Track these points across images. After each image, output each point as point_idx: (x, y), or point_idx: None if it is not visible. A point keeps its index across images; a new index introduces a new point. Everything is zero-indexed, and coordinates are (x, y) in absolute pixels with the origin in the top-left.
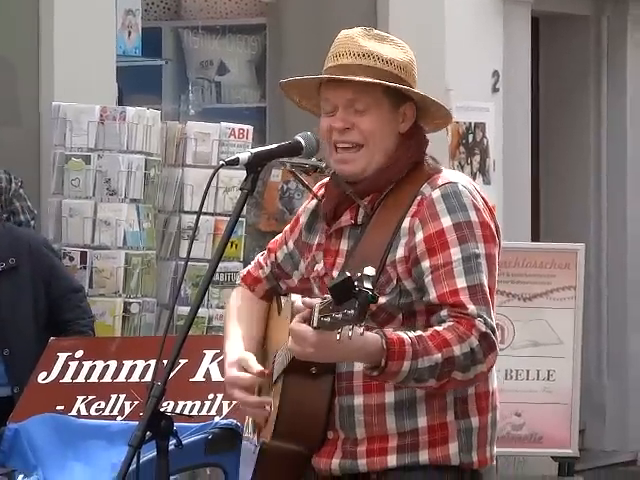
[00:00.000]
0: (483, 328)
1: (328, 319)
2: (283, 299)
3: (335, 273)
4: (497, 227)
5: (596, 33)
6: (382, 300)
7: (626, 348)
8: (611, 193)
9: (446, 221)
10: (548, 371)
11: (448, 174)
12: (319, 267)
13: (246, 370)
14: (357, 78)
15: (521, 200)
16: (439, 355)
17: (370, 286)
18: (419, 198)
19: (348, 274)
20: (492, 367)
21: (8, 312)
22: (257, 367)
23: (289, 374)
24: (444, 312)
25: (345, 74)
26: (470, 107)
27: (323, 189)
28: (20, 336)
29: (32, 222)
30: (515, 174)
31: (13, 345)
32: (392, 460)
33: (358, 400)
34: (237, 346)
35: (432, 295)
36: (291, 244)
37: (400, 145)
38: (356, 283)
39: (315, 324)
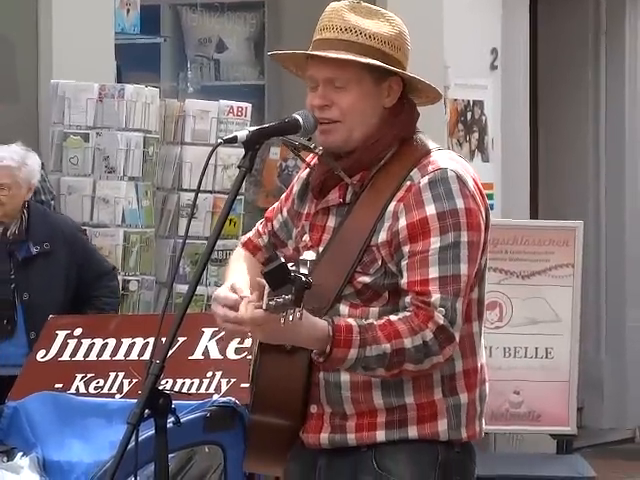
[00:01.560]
0: (441, 321)
1: (273, 302)
2: None
3: (321, 249)
4: (487, 211)
5: (594, 10)
6: (367, 279)
7: (624, 325)
8: (610, 170)
9: (430, 209)
10: (546, 349)
11: (438, 157)
12: (306, 237)
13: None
14: (332, 55)
15: (520, 178)
16: (387, 345)
17: (306, 271)
18: (408, 184)
19: (282, 260)
20: (449, 358)
21: (39, 296)
22: (246, 293)
23: (265, 350)
24: (407, 299)
25: (327, 49)
26: (468, 85)
27: (316, 159)
28: None
29: (52, 202)
30: (514, 152)
31: (40, 328)
32: (381, 435)
33: (345, 377)
34: (239, 276)
35: (404, 280)
36: (285, 212)
37: (386, 120)
38: (292, 268)
39: (264, 306)
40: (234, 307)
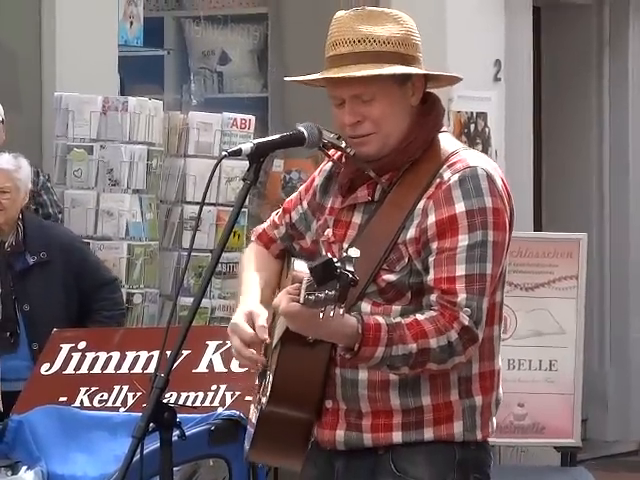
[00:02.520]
0: (466, 322)
1: (312, 297)
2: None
3: (345, 245)
4: (512, 211)
5: (598, 22)
6: (392, 278)
7: (628, 338)
8: (613, 182)
9: (460, 207)
10: (550, 361)
11: (467, 155)
12: (329, 232)
13: (253, 325)
14: (356, 74)
15: (523, 189)
16: (414, 345)
17: (352, 268)
18: (438, 181)
19: (329, 255)
20: (483, 357)
21: (39, 307)
22: (262, 329)
23: (286, 341)
24: (433, 297)
25: (344, 64)
26: (472, 96)
27: (339, 152)
28: (50, 331)
29: (59, 215)
30: (517, 163)
31: (43, 340)
32: (397, 437)
33: (363, 375)
34: (254, 294)
35: (430, 276)
36: (305, 204)
37: (417, 121)
38: (338, 264)
39: (301, 300)
40: (250, 344)
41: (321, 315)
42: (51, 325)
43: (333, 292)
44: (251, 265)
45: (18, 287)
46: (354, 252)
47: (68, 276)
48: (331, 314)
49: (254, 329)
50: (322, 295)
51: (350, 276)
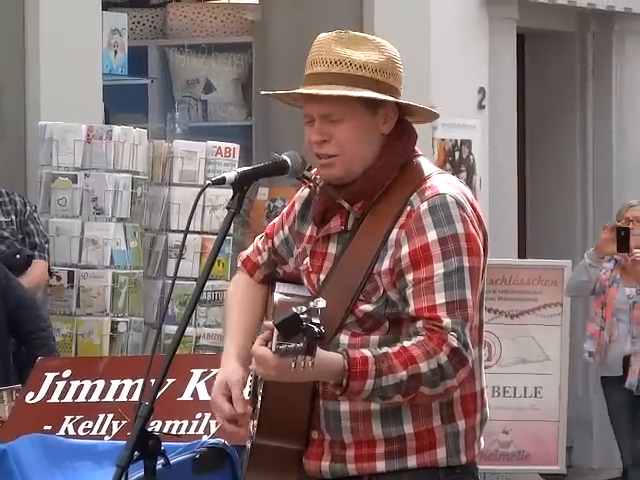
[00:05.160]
0: (455, 343)
1: (283, 347)
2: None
3: (322, 277)
4: (485, 235)
5: (581, 49)
6: (368, 308)
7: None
8: (597, 208)
9: (432, 235)
10: (535, 388)
11: (437, 181)
12: (307, 262)
13: (231, 398)
14: (323, 92)
15: (507, 217)
16: (404, 373)
17: (318, 321)
18: (408, 209)
19: (295, 310)
20: (467, 382)
21: None
22: (239, 403)
23: None
24: (419, 323)
25: (318, 83)
26: (456, 124)
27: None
28: None
29: (46, 245)
30: (501, 191)
31: None
32: (381, 466)
33: (344, 407)
34: (230, 357)
35: (411, 307)
36: (287, 229)
37: (386, 147)
38: (304, 317)
39: (273, 349)
40: (231, 418)
41: (293, 365)
42: None
43: (301, 344)
44: (234, 308)
45: None
46: (321, 303)
47: None
48: (302, 365)
49: (232, 401)
50: (291, 346)
51: (316, 329)
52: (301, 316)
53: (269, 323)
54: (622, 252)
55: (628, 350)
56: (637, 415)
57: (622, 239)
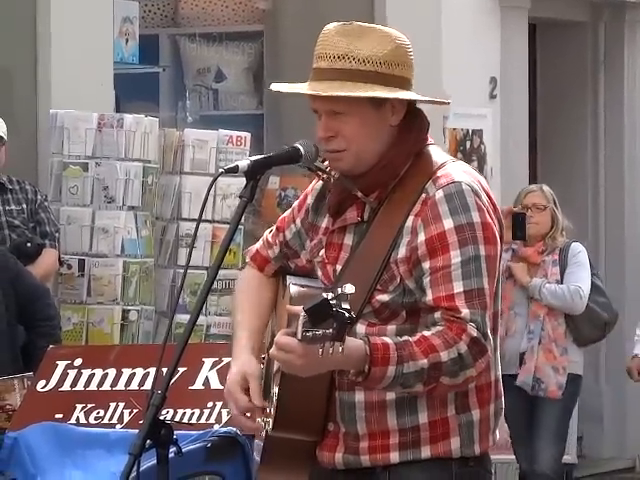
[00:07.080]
0: (474, 333)
1: (310, 334)
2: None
3: (339, 267)
4: (501, 223)
5: (593, 39)
6: (385, 298)
7: (623, 354)
8: (609, 196)
9: (448, 223)
10: None
11: (452, 169)
12: (323, 253)
13: (247, 390)
14: (324, 94)
15: None
16: (425, 361)
17: (347, 306)
18: (423, 197)
19: (324, 295)
20: (482, 371)
21: None
22: (257, 396)
23: None
24: (437, 314)
25: (322, 79)
26: (468, 114)
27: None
28: None
29: (57, 234)
30: (512, 180)
31: None
32: (395, 457)
33: (359, 396)
34: (245, 349)
35: (428, 297)
36: (299, 222)
37: (398, 137)
38: (334, 302)
39: (299, 337)
40: (247, 411)
41: (320, 352)
42: None
43: (330, 330)
44: (243, 301)
45: None
46: (349, 288)
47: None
48: (330, 351)
49: (249, 393)
50: (319, 332)
51: (347, 314)
52: (331, 302)
53: (295, 308)
54: (518, 239)
55: (525, 346)
56: (535, 417)
57: (519, 225)
